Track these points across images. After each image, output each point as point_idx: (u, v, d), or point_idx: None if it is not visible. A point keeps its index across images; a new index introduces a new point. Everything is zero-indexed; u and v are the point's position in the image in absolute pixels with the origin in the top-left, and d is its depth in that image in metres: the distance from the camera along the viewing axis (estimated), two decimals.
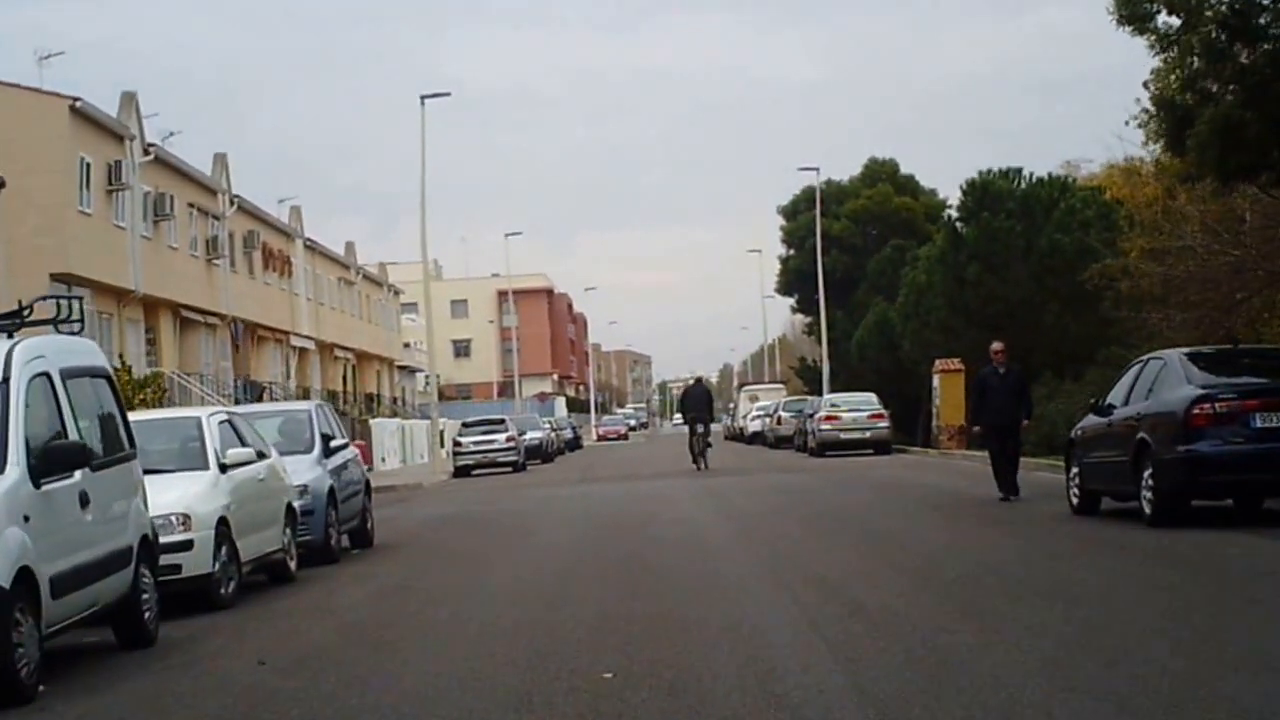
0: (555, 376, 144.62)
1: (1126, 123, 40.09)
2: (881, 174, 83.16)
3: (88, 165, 45.80)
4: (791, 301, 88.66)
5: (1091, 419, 21.60)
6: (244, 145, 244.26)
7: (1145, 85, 40.22)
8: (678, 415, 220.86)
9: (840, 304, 76.21)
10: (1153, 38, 24.83)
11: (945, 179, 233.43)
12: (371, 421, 63.81)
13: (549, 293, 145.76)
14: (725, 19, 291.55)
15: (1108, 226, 48.53)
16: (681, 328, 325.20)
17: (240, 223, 61.60)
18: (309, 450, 21.38)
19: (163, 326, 53.26)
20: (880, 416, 49.76)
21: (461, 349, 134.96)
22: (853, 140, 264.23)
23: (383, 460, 63.10)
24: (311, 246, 73.30)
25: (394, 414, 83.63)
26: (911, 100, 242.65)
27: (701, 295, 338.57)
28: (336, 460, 21.98)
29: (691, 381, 49.79)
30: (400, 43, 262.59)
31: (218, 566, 16.08)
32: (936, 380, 48.70)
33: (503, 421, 55.20)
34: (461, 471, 53.13)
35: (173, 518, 15.63)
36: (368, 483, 23.96)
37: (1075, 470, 21.67)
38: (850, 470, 39.23)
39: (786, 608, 13.70)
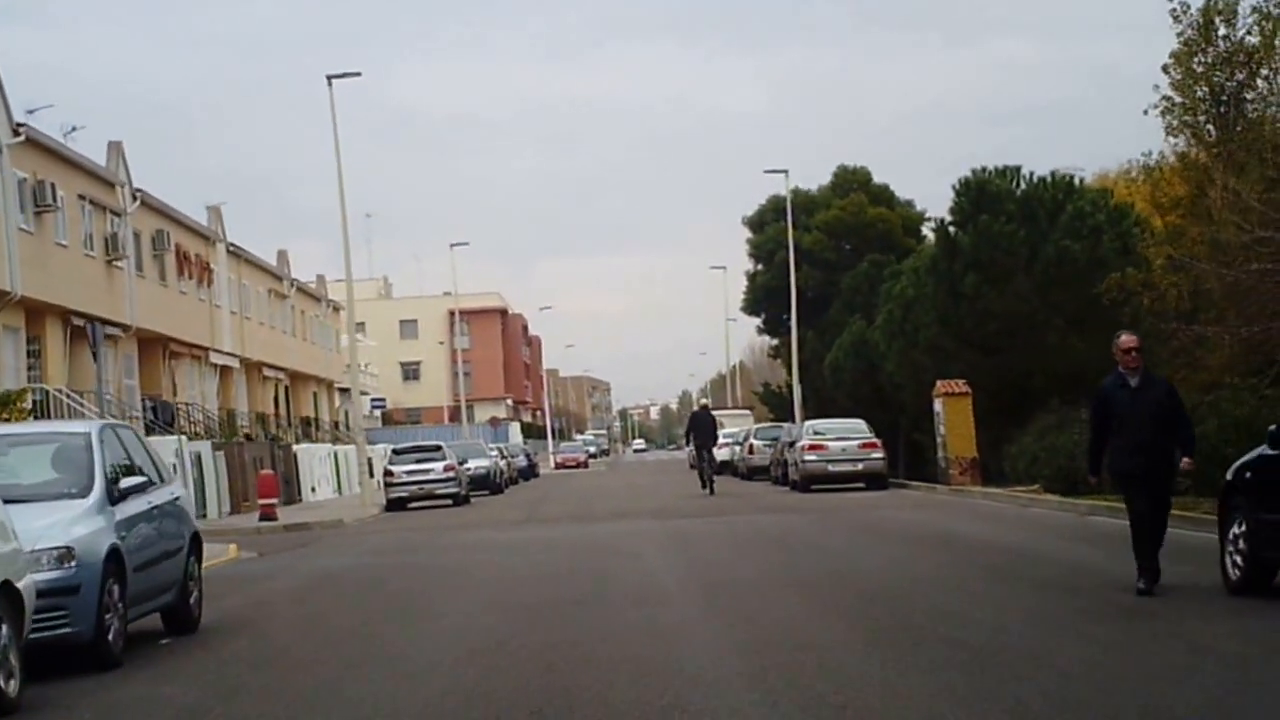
0: (509, 401, 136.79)
1: (1145, 112, 34.18)
2: (853, 183, 76.05)
3: None
4: (757, 323, 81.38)
5: (1265, 453, 14.10)
6: (195, 173, 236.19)
7: (1165, 70, 34.04)
8: (637, 442, 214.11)
9: (811, 323, 69.12)
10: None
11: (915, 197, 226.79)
12: (296, 448, 56.08)
13: (503, 313, 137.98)
14: (671, 48, 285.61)
15: (1120, 233, 42.08)
16: (640, 355, 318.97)
17: (147, 221, 54.00)
18: (84, 494, 13.83)
19: (49, 336, 45.60)
20: (873, 446, 42.53)
21: (411, 371, 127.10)
22: (807, 168, 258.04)
23: (312, 491, 55.54)
24: (236, 253, 65.58)
25: (335, 439, 76.00)
26: (866, 128, 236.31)
27: (660, 322, 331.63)
28: (133, 508, 14.47)
29: (697, 409, 50.52)
30: (351, 69, 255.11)
31: None
32: (939, 405, 41.44)
33: (439, 449, 47.68)
34: (395, 504, 45.71)
35: None
36: (195, 537, 16.42)
37: (1239, 529, 14.22)
38: (850, 510, 31.96)
39: None
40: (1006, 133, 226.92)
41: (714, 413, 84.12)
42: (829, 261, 72.57)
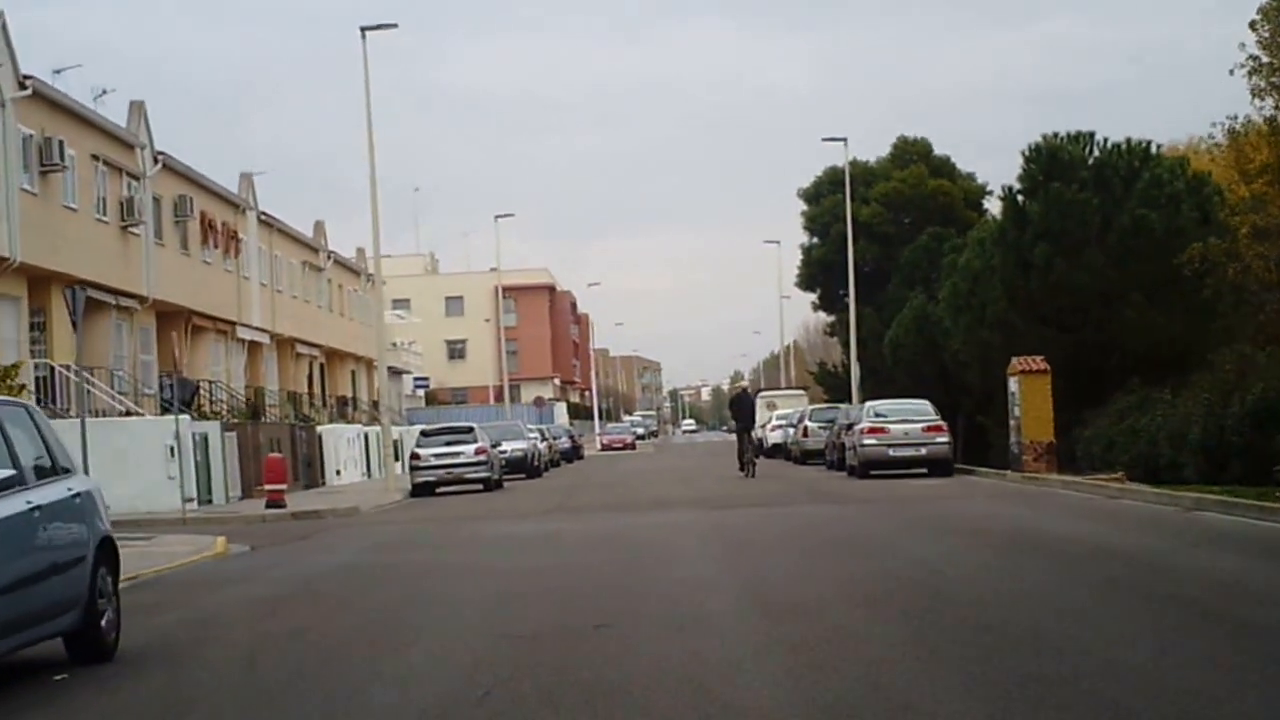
0: (557, 380, 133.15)
1: (1231, 71, 31.02)
2: (913, 154, 72.32)
3: None
4: (812, 299, 77.44)
5: None
6: (250, 152, 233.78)
7: (1252, 26, 30.68)
8: (687, 423, 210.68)
9: (869, 300, 65.38)
10: None
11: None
12: (321, 428, 52.55)
13: (551, 290, 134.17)
14: (724, 26, 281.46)
15: (1199, 202, 38.84)
16: (691, 334, 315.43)
17: (169, 186, 50.62)
18: None
19: (56, 307, 42.21)
20: (938, 429, 38.71)
21: (456, 350, 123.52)
22: (862, 144, 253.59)
23: (337, 474, 52.01)
24: (268, 222, 62.12)
25: (373, 420, 72.61)
26: (920, 105, 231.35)
27: (712, 301, 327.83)
28: (6, 508, 10.86)
29: (739, 390, 49.25)
30: (409, 50, 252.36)
31: None
32: (1014, 384, 37.58)
33: (470, 430, 44.00)
34: (421, 490, 42.13)
35: None
36: (106, 544, 12.83)
37: None
38: (918, 502, 28.19)
39: None
40: (1058, 114, 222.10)
41: (767, 393, 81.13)
42: (887, 235, 68.90)
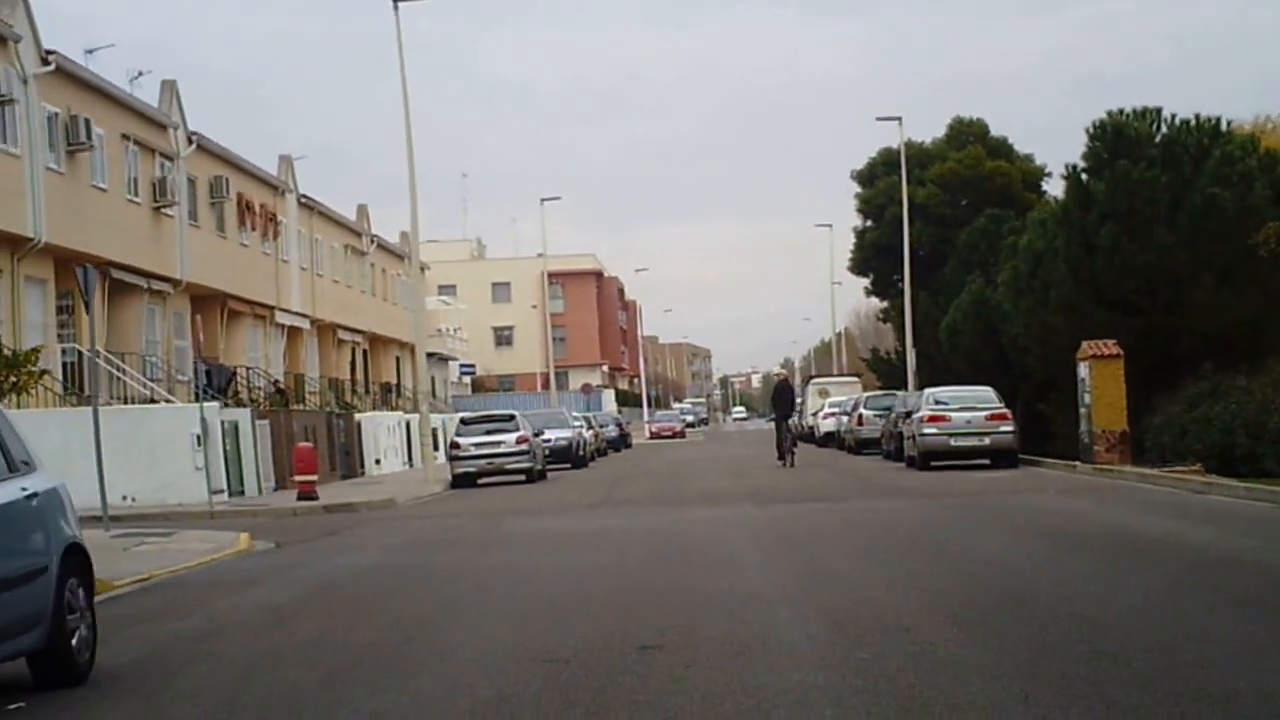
0: (605, 367, 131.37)
1: None
2: (969, 135, 70.22)
3: None
4: (865, 284, 75.51)
5: None
6: (294, 143, 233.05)
7: None
8: (738, 410, 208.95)
9: (925, 284, 63.41)
10: None
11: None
12: (360, 416, 50.89)
13: (598, 275, 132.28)
14: (769, 11, 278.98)
15: (1273, 180, 37.48)
16: (742, 321, 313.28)
17: (204, 167, 49.10)
18: None
19: None
20: (1003, 417, 36.84)
21: (503, 336, 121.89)
22: (914, 127, 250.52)
23: (377, 463, 50.37)
24: (308, 205, 60.56)
25: (417, 407, 71.06)
26: (970, 87, 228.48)
27: (762, 288, 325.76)
28: None
29: (779, 380, 48.79)
30: (451, 38, 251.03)
31: None
32: (1084, 370, 35.64)
33: (511, 418, 42.20)
34: (461, 480, 40.42)
35: None
36: (73, 551, 11.14)
37: None
38: (987, 496, 26.33)
39: None
40: (1106, 97, 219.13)
41: (819, 380, 79.22)
42: (943, 217, 66.87)
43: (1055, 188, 65.57)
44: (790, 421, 45.10)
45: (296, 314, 57.85)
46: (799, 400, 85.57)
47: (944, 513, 22.78)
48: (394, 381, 74.48)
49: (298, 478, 33.24)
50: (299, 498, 32.73)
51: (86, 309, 25.80)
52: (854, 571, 15.49)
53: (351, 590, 16.30)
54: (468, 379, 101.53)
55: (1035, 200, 60.86)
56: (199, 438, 32.78)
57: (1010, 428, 36.68)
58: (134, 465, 33.01)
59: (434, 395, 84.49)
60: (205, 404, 33.73)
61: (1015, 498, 25.75)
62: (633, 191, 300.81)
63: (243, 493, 36.49)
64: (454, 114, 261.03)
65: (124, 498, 32.87)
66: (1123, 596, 12.86)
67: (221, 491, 34.63)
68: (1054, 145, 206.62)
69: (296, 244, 58.53)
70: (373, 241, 70.29)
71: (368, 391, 68.53)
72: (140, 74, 47.59)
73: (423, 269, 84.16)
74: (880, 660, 10.03)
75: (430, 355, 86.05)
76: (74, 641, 10.83)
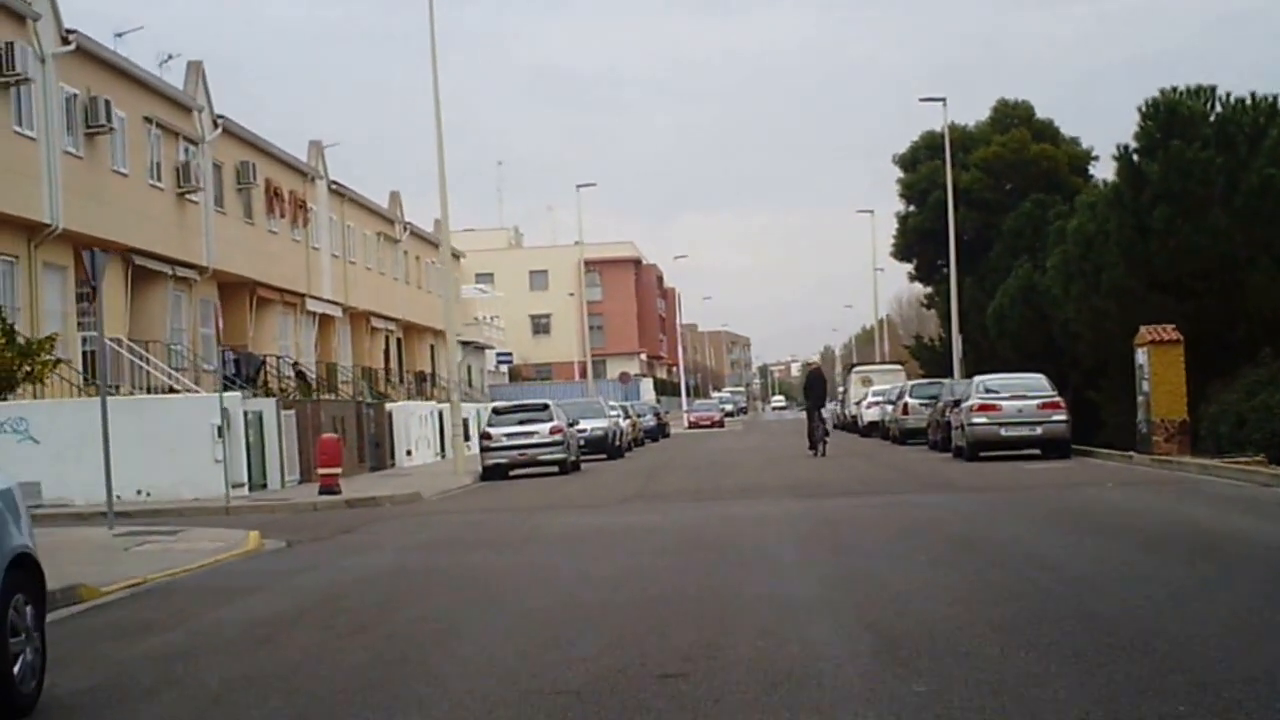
0: (643, 356, 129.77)
1: None
2: (1014, 117, 68.48)
3: None
4: (908, 269, 73.82)
5: None
6: (328, 134, 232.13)
7: None
8: (777, 399, 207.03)
9: (969, 269, 61.74)
10: None
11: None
12: (390, 406, 49.50)
13: (636, 263, 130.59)
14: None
15: None
16: (781, 309, 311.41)
17: (231, 152, 47.80)
18: None
19: (106, 278, 39.26)
20: (1056, 406, 35.21)
21: (541, 325, 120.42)
22: (958, 112, 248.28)
23: (408, 454, 48.99)
24: (339, 191, 59.22)
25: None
26: (1013, 78, 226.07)
27: (802, 275, 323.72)
28: None
29: (812, 369, 48.14)
30: (492, 28, 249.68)
31: None
32: (1143, 356, 34.02)
33: (545, 408, 40.70)
34: (492, 473, 38.97)
35: None
36: (23, 560, 9.70)
37: None
38: (1045, 490, 24.75)
39: None
40: (1152, 79, 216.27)
41: (861, 368, 77.47)
42: (987, 202, 65.21)
43: (1102, 171, 64.10)
44: (827, 409, 43.72)
45: (328, 301, 56.57)
46: (840, 389, 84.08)
47: (999, 509, 21.21)
48: (429, 370, 73.16)
49: (320, 471, 31.84)
50: (320, 492, 31.34)
51: (94, 294, 24.48)
52: (904, 578, 13.97)
53: (354, 599, 14.85)
54: (505, 368, 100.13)
55: (1082, 184, 59.27)
56: (219, 429, 31.47)
57: (1063, 417, 35.06)
58: (151, 458, 31.75)
59: (469, 384, 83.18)
60: (227, 394, 32.41)
61: (1073, 491, 24.17)
62: (672, 180, 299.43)
63: (265, 486, 35.17)
64: (492, 104, 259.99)
65: (139, 492, 31.61)
66: (1212, 610, 11.30)
67: (242, 485, 33.33)
68: (1104, 129, 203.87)
69: (328, 231, 57.22)
70: (406, 229, 68.96)
71: (401, 380, 67.23)
72: (170, 58, 46.27)
73: (458, 257, 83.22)
74: (941, 697, 8.51)
75: (466, 344, 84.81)
76: (16, 668, 9.41)
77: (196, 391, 39.10)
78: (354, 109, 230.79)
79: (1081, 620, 11.04)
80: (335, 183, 58.50)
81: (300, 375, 47.22)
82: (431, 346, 75.57)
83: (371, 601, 14.60)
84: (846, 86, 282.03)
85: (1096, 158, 67.03)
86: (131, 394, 37.71)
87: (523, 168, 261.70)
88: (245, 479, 33.60)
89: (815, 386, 43.87)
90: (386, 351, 66.83)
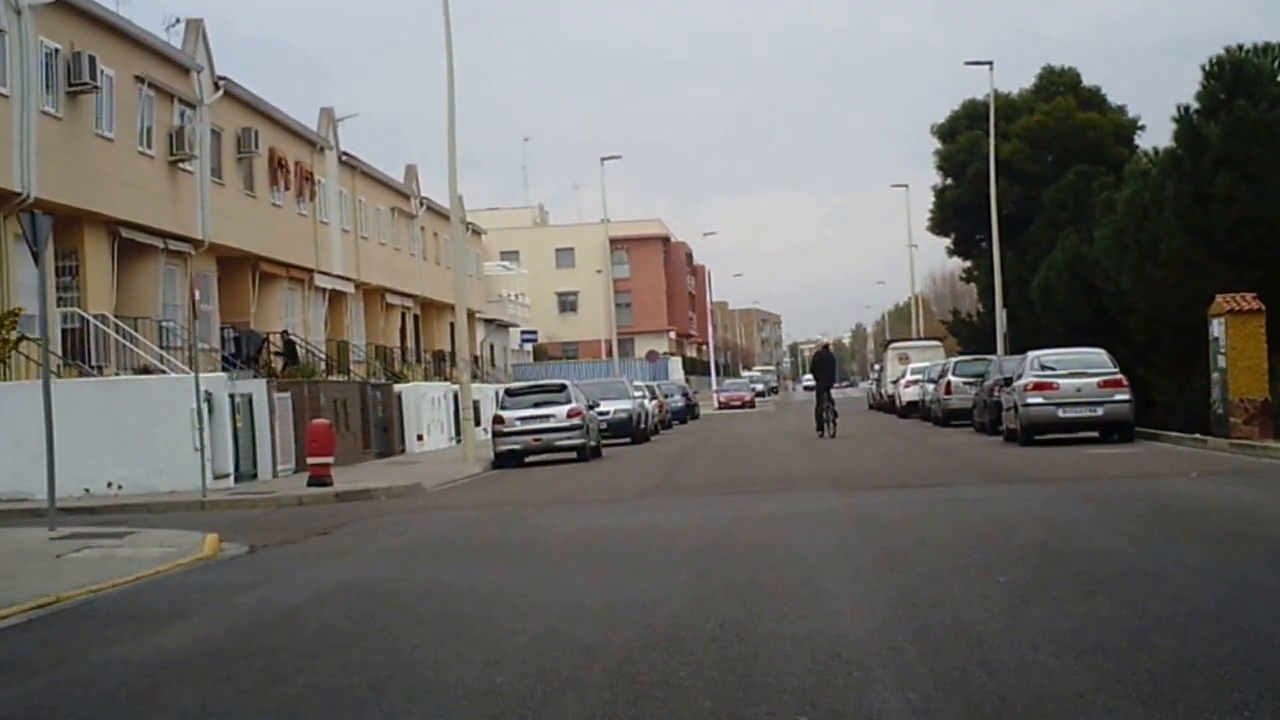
0: (672, 334, 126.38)
1: None
2: (1060, 85, 65.11)
3: None
4: (946, 243, 70.46)
5: None
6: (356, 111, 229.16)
7: None
8: (808, 378, 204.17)
9: (1009, 243, 58.36)
10: None
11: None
12: (399, 387, 46.26)
13: (665, 240, 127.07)
14: None
15: None
16: (813, 286, 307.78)
17: (231, 118, 44.64)
18: None
19: (90, 251, 36.49)
20: (1118, 384, 31.88)
21: (568, 303, 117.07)
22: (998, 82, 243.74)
23: (419, 439, 45.82)
24: (350, 164, 56.07)
25: (474, 375, 66.46)
26: (1052, 54, 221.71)
27: (834, 252, 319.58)
28: None
29: (821, 348, 47.66)
30: (521, 6, 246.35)
31: None
32: (1218, 328, 30.66)
33: (562, 389, 37.36)
34: (505, 459, 35.71)
35: None
36: None
37: None
38: (1121, 481, 21.41)
39: None
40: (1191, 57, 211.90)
41: (899, 345, 73.96)
42: (1028, 174, 61.91)
43: (1148, 141, 60.70)
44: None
45: (339, 277, 53.43)
46: (877, 366, 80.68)
47: (1076, 507, 17.90)
48: (448, 349, 70.03)
49: (311, 460, 28.58)
50: (309, 483, 28.08)
51: (36, 261, 21.26)
52: (983, 610, 10.70)
53: (286, 634, 11.63)
54: (529, 347, 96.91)
55: (1128, 155, 55.99)
56: (196, 413, 28.34)
57: (1126, 396, 31.71)
58: (124, 446, 28.67)
59: (492, 363, 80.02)
60: (213, 375, 29.28)
61: (1155, 484, 20.84)
62: (703, 160, 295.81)
63: (255, 476, 32.04)
64: (522, 84, 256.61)
65: (110, 484, 28.54)
66: None
67: (227, 476, 30.21)
68: (1149, 101, 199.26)
69: (338, 204, 54.06)
70: (422, 204, 65.72)
71: (419, 360, 64.09)
72: (177, 21, 42.92)
73: (478, 232, 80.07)
74: None
75: (489, 321, 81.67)
76: None
77: (186, 372, 36.00)
78: (374, 86, 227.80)
79: (1242, 680, 7.79)
80: (346, 154, 55.33)
81: (289, 345, 43.74)
82: (451, 324, 72.31)
83: (305, 637, 11.41)
84: (882, 67, 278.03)
85: (1143, 127, 63.88)
86: (117, 375, 34.67)
87: (552, 148, 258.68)
88: (231, 469, 30.46)
89: (824, 367, 43.15)
90: (403, 330, 63.72)
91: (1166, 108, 37.85)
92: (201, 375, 27.89)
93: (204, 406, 27.87)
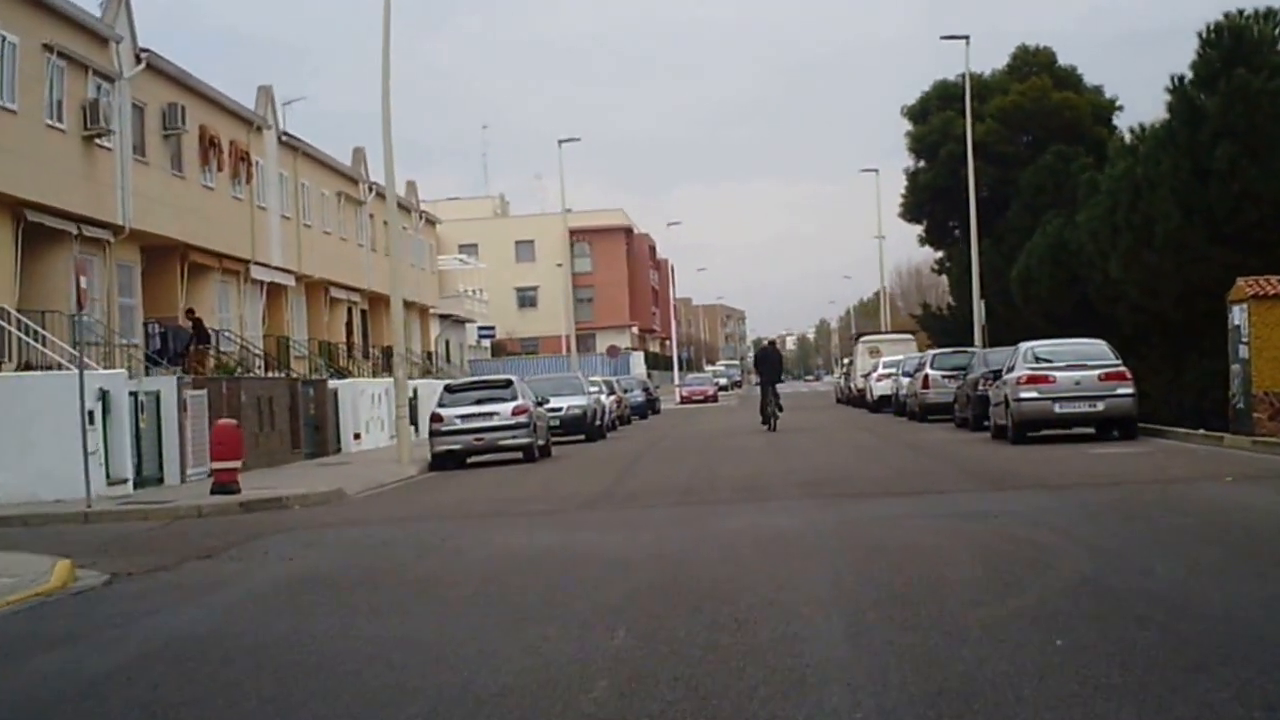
0: (635, 329, 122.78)
1: None
2: (1035, 65, 62.09)
3: None
4: (918, 231, 67.16)
5: None
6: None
7: None
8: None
9: (985, 231, 55.35)
10: None
11: None
12: (334, 384, 42.55)
13: (628, 232, 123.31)
14: None
15: None
16: (777, 282, 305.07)
17: (156, 93, 40.85)
18: None
19: None
20: (1121, 377, 28.56)
21: (527, 298, 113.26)
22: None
23: (356, 439, 42.16)
24: (291, 144, 52.30)
25: (426, 373, 62.97)
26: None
27: (799, 248, 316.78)
28: None
29: (765, 344, 48.71)
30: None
31: None
32: (1239, 315, 27.28)
33: (507, 384, 33.75)
34: (444, 460, 32.21)
35: None
36: None
37: None
38: (1144, 488, 17.97)
39: None
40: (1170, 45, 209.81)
41: (870, 338, 70.70)
42: (1003, 155, 58.75)
43: (1128, 122, 57.59)
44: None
45: (278, 269, 49.68)
46: (847, 360, 77.41)
47: (1116, 522, 14.46)
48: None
49: (215, 464, 24.93)
50: (213, 491, 24.41)
51: None
52: (1046, 704, 7.23)
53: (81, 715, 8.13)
54: (487, 343, 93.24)
55: (1107, 135, 52.96)
56: (91, 414, 24.69)
57: (1130, 390, 28.36)
58: (2, 450, 25.01)
59: (447, 359, 76.45)
60: (102, 372, 25.66)
61: (1189, 490, 17.44)
62: (665, 153, 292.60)
63: (161, 481, 28.38)
64: (482, 75, 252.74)
65: None
66: None
67: (125, 481, 26.54)
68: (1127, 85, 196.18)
69: (278, 188, 50.33)
70: (371, 189, 61.84)
71: (367, 356, 60.39)
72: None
73: (431, 222, 76.33)
74: None
75: (445, 317, 78.06)
76: None
77: (92, 368, 32.30)
78: (331, 78, 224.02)
79: None
80: (287, 134, 51.60)
81: (198, 326, 39.69)
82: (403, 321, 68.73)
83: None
84: (847, 60, 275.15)
85: (1121, 108, 60.93)
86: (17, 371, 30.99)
87: (512, 140, 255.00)
88: (130, 474, 26.79)
89: (768, 362, 43.20)
90: (350, 325, 59.98)
91: (1143, 92, 34.82)
92: (100, 372, 24.23)
93: (98, 405, 24.19)
